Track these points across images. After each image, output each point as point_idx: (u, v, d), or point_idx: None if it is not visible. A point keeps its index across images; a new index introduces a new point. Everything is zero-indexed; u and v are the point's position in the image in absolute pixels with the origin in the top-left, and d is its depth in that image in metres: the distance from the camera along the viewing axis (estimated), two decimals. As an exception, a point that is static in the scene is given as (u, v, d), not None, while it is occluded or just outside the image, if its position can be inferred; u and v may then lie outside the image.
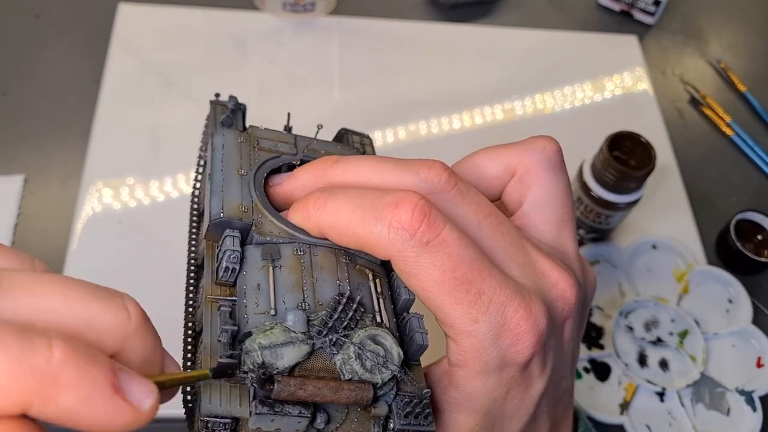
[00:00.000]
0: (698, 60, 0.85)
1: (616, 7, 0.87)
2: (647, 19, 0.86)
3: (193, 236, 0.35)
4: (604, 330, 0.61)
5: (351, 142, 0.37)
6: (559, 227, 0.31)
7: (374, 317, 0.28)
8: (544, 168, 0.30)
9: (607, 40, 0.84)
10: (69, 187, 0.64)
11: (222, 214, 0.29)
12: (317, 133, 0.35)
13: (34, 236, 0.61)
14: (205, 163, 0.35)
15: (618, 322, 0.61)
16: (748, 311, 0.62)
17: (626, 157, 0.60)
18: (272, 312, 0.26)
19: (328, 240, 0.29)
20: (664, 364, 0.60)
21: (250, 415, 0.24)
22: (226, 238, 0.28)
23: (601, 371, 0.59)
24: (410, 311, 0.29)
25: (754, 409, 0.57)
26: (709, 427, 0.57)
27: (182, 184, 0.65)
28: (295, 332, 0.25)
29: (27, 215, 0.62)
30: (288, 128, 0.35)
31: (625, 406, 0.57)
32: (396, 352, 0.26)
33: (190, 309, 0.32)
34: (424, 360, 0.29)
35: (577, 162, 0.63)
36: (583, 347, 0.60)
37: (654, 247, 0.66)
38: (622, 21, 0.87)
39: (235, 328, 0.25)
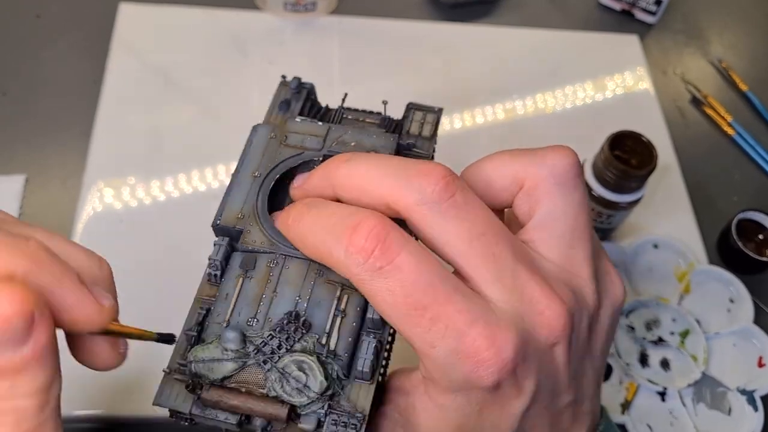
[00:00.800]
0: (699, 59, 0.85)
1: (617, 6, 0.87)
2: (648, 19, 0.86)
3: None
4: (606, 329, 0.61)
5: (411, 120, 0.39)
6: (568, 246, 0.29)
7: (320, 338, 0.30)
8: (552, 184, 0.29)
9: (608, 40, 0.84)
10: (70, 187, 0.64)
11: (218, 221, 0.33)
12: (384, 108, 0.38)
13: (35, 236, 0.61)
14: None
15: (619, 321, 0.61)
16: (749, 311, 0.62)
17: (627, 157, 0.60)
18: (224, 324, 0.30)
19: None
20: (665, 364, 0.60)
21: (189, 413, 0.29)
22: (215, 245, 0.32)
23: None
24: (375, 329, 0.30)
25: (756, 408, 0.57)
26: (710, 426, 0.57)
27: (183, 184, 0.65)
28: (227, 350, 0.29)
29: (28, 215, 0.62)
30: (341, 109, 0.38)
31: (626, 406, 0.57)
32: (319, 381, 0.29)
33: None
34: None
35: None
36: None
37: (655, 246, 0.66)
38: (623, 20, 0.87)
39: (195, 334, 0.30)
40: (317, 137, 0.35)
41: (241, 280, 0.31)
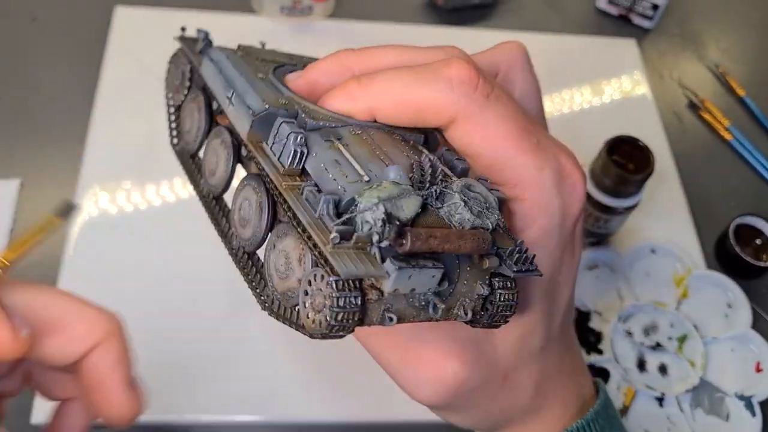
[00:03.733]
0: (696, 64, 0.85)
1: (615, 11, 0.87)
2: (645, 24, 0.86)
3: (198, 175, 0.33)
4: (603, 335, 0.61)
5: None
6: (542, 119, 0.33)
7: (450, 178, 0.26)
8: (524, 64, 0.32)
9: (606, 44, 0.84)
10: (65, 191, 0.63)
11: (267, 107, 0.26)
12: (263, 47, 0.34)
13: (29, 240, 0.61)
14: (185, 98, 0.34)
15: (617, 327, 0.61)
16: (747, 316, 0.62)
17: (625, 162, 0.60)
18: (366, 179, 0.24)
19: (376, 123, 0.28)
20: (663, 369, 0.60)
21: (389, 274, 0.22)
22: (282, 124, 0.26)
23: (600, 376, 0.59)
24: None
25: (753, 414, 0.57)
26: (708, 432, 0.57)
27: (178, 188, 0.64)
28: (403, 185, 0.23)
29: (23, 220, 0.62)
30: (262, 45, 0.35)
31: (624, 411, 0.57)
32: (491, 197, 0.25)
33: (226, 236, 0.31)
34: None
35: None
36: (581, 352, 0.60)
37: (653, 251, 0.66)
38: (621, 25, 0.87)
39: (337, 197, 0.23)
40: (284, 57, 0.33)
41: (340, 146, 0.26)
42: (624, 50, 0.84)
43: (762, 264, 0.63)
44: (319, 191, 0.24)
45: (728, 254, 0.65)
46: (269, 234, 0.27)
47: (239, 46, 0.32)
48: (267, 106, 0.26)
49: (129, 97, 0.69)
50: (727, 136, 0.78)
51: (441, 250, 0.23)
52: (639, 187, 0.59)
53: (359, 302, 0.22)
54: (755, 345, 0.61)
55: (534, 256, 0.25)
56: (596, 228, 0.63)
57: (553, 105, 0.77)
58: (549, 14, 0.86)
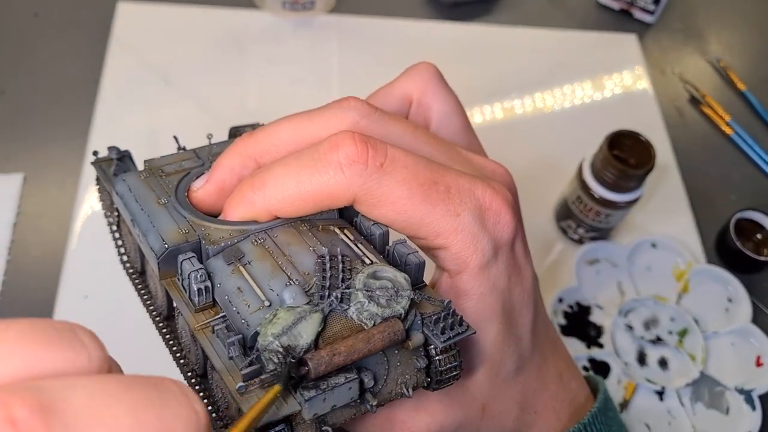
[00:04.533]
0: (698, 59, 0.85)
1: (616, 5, 0.87)
2: (647, 18, 0.86)
3: (145, 295, 0.33)
4: (604, 329, 0.61)
5: None
6: (467, 134, 0.33)
7: (362, 261, 0.27)
8: (436, 86, 0.32)
9: (607, 39, 0.84)
10: (68, 186, 0.64)
11: (166, 246, 0.27)
12: (210, 141, 0.34)
13: (33, 235, 0.61)
14: (118, 219, 0.34)
15: (617, 320, 0.61)
16: (747, 310, 0.62)
17: (626, 156, 0.60)
18: (266, 303, 0.25)
19: (279, 219, 0.28)
20: (663, 363, 0.60)
21: (301, 406, 0.23)
22: (183, 262, 0.26)
23: (601, 370, 0.59)
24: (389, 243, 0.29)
25: (754, 408, 0.57)
26: (708, 426, 0.57)
27: (181, 183, 0.65)
28: (299, 307, 0.24)
29: (26, 214, 0.62)
30: (181, 149, 0.34)
31: (624, 405, 0.57)
32: (401, 277, 0.26)
33: (181, 359, 0.31)
34: None
35: (576, 161, 0.63)
36: (582, 346, 0.60)
37: (653, 245, 0.66)
38: (622, 20, 0.87)
39: (240, 336, 0.24)
40: (190, 159, 0.32)
41: (240, 267, 0.26)
42: (625, 45, 0.84)
43: (762, 258, 0.64)
44: (228, 326, 0.25)
45: (729, 249, 0.65)
46: (207, 365, 0.28)
47: (145, 164, 0.32)
48: (167, 246, 0.27)
49: (132, 92, 0.70)
50: (728, 131, 0.78)
51: (350, 362, 0.23)
52: (640, 182, 0.59)
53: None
54: (756, 339, 0.61)
55: (461, 317, 0.25)
56: (597, 222, 0.63)
57: (555, 100, 0.77)
58: (550, 9, 0.86)
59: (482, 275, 0.28)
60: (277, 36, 0.77)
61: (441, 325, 0.25)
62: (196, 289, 0.25)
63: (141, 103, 0.69)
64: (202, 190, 0.29)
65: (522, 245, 0.29)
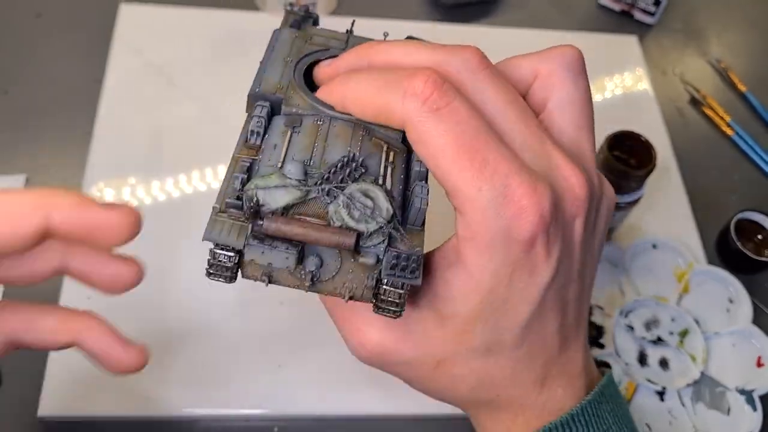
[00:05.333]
0: (698, 60, 0.86)
1: (617, 7, 0.87)
2: (647, 19, 0.87)
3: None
4: (605, 329, 0.61)
5: None
6: (578, 130, 0.32)
7: (377, 180, 0.30)
8: (565, 71, 0.31)
9: (608, 40, 0.84)
10: (70, 187, 0.64)
11: (258, 89, 0.33)
12: (385, 38, 0.39)
13: (35, 236, 0.61)
14: None
15: (618, 321, 0.61)
16: (748, 311, 0.63)
17: (626, 157, 0.61)
18: (279, 165, 0.29)
19: (349, 115, 0.31)
20: (664, 363, 0.60)
21: (244, 246, 0.28)
22: (256, 107, 0.32)
23: (602, 370, 0.59)
24: (422, 180, 0.31)
25: (755, 408, 0.58)
26: (709, 426, 0.57)
27: (184, 184, 0.65)
28: (290, 179, 0.29)
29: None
30: (349, 31, 0.39)
31: (625, 406, 0.58)
32: (385, 207, 0.29)
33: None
34: None
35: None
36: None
37: (654, 246, 0.66)
38: (623, 21, 0.87)
39: (245, 176, 0.29)
40: (339, 41, 0.37)
41: (289, 132, 0.31)
42: (625, 46, 0.84)
43: (763, 259, 0.64)
44: (251, 166, 0.30)
45: (730, 249, 0.66)
46: None
47: (300, 32, 0.38)
48: (257, 90, 0.33)
49: (134, 93, 0.70)
50: (729, 132, 0.78)
51: (296, 239, 0.28)
52: (641, 183, 0.60)
53: (233, 261, 0.29)
54: (756, 340, 0.61)
55: (416, 268, 0.28)
56: None
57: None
58: (551, 10, 0.87)
59: (483, 253, 0.28)
60: (278, 37, 0.77)
61: (395, 261, 0.29)
62: (250, 129, 0.31)
63: (143, 104, 0.69)
64: (322, 69, 0.34)
65: (544, 249, 0.28)
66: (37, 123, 0.68)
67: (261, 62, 0.35)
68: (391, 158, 0.31)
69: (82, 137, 0.66)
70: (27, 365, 0.54)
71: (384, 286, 0.29)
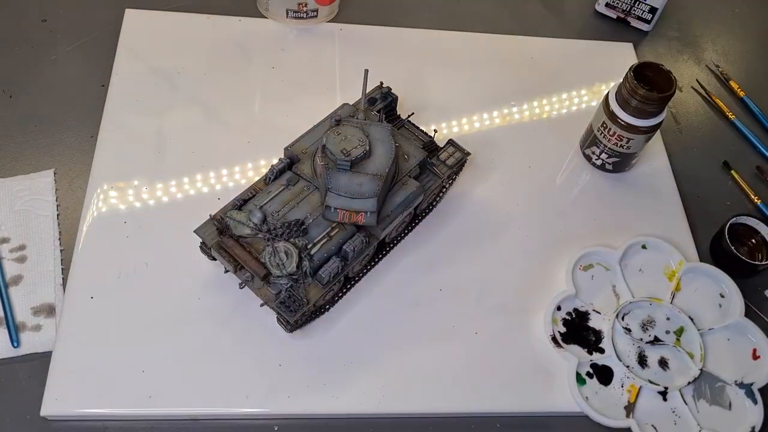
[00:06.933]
0: (693, 66, 0.87)
1: (613, 14, 0.88)
2: (643, 27, 0.88)
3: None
4: (603, 333, 0.62)
5: (444, 150, 0.63)
6: None
7: (308, 244, 0.51)
8: None
9: (604, 47, 0.85)
10: (75, 189, 0.65)
11: (290, 148, 0.56)
12: (434, 135, 0.64)
13: (40, 237, 0.62)
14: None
15: (615, 324, 0.62)
16: (739, 304, 0.63)
17: (648, 87, 0.65)
18: (259, 207, 0.52)
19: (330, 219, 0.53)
20: (663, 363, 0.61)
21: (209, 247, 0.53)
22: (279, 159, 0.56)
23: (604, 375, 0.60)
24: (343, 258, 0.53)
25: (755, 401, 0.58)
26: (712, 422, 0.58)
27: (186, 186, 0.66)
28: (250, 221, 0.51)
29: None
30: (406, 120, 0.65)
31: (630, 408, 0.58)
32: (292, 265, 0.49)
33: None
34: None
35: (576, 158, 0.64)
36: (584, 352, 0.61)
37: (644, 247, 0.67)
38: (619, 28, 0.88)
39: (238, 203, 0.53)
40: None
41: (282, 187, 0.53)
42: (622, 53, 0.85)
43: (757, 263, 0.65)
44: (253, 197, 0.54)
45: (724, 253, 0.66)
46: None
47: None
48: (289, 148, 0.57)
49: (139, 97, 0.71)
50: (731, 116, 0.79)
51: (235, 257, 0.51)
52: (661, 108, 0.65)
53: (206, 250, 0.53)
54: (750, 333, 0.62)
55: (297, 309, 0.50)
56: (619, 147, 0.68)
57: (552, 108, 0.78)
58: (548, 18, 0.88)
59: None
60: (280, 43, 0.78)
61: (284, 300, 0.50)
62: (266, 173, 0.56)
63: (148, 108, 0.70)
64: None
65: None
66: (43, 126, 0.69)
67: (315, 125, 0.58)
68: (333, 233, 0.52)
69: (87, 140, 0.67)
70: (31, 365, 0.55)
71: (278, 302, 0.50)
